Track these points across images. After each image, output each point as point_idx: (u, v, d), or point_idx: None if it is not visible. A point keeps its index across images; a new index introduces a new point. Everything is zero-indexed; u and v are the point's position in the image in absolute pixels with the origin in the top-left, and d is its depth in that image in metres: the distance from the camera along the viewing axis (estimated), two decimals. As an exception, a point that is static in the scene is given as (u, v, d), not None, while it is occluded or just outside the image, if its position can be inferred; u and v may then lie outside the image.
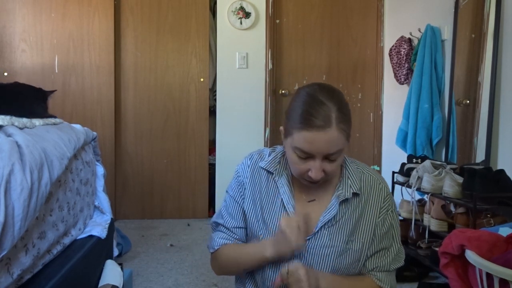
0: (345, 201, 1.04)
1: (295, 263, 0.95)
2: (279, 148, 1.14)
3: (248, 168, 1.13)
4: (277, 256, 1.00)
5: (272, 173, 1.10)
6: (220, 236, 1.12)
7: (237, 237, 1.12)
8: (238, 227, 1.12)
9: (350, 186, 1.05)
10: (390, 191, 1.11)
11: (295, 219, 0.97)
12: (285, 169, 1.10)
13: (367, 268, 1.07)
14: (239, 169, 1.15)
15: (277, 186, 1.08)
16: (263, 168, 1.11)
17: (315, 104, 0.94)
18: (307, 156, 0.96)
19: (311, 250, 1.03)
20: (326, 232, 1.03)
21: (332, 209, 1.03)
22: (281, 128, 1.05)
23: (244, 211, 1.11)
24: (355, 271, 1.05)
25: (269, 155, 1.12)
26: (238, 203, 1.12)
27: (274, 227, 1.05)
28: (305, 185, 1.06)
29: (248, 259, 1.06)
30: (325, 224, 1.03)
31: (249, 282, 1.13)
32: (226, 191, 1.17)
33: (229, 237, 1.11)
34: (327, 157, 0.95)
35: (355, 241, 1.04)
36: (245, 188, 1.12)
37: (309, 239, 1.03)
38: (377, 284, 1.07)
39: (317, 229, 1.03)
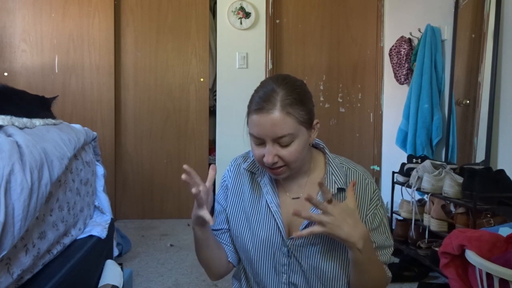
0: None
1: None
2: None
3: (232, 171, 1.15)
4: (193, 223, 1.03)
5: (255, 174, 1.11)
6: None
7: (218, 239, 1.14)
8: (219, 229, 1.14)
9: (335, 182, 1.05)
10: (376, 186, 1.10)
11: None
12: None
13: None
14: (224, 173, 1.18)
15: (261, 187, 1.09)
16: (246, 170, 1.12)
17: (263, 90, 0.98)
18: (260, 141, 0.98)
19: (299, 248, 1.03)
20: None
21: None
22: None
23: (227, 214, 1.13)
24: (347, 269, 1.04)
25: (252, 156, 1.13)
26: (221, 206, 1.15)
27: (261, 228, 1.06)
28: (288, 183, 1.07)
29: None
30: (311, 221, 1.02)
31: (243, 278, 1.15)
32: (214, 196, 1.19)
33: None
34: (278, 142, 0.96)
35: None
36: (228, 191, 1.14)
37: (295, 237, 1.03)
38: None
39: (304, 226, 1.03)
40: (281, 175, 1.01)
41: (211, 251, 1.09)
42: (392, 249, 1.11)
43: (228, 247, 1.13)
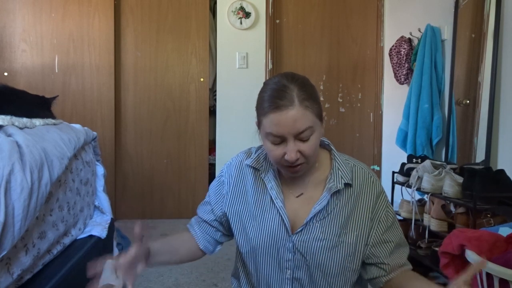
0: (336, 192, 1.04)
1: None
2: None
3: (233, 167, 1.15)
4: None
5: (258, 170, 1.11)
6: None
7: (199, 226, 1.17)
8: (203, 220, 1.17)
9: (342, 177, 1.05)
10: (381, 184, 1.11)
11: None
12: (271, 165, 1.11)
13: (393, 268, 1.08)
14: (223, 168, 1.18)
15: (264, 183, 1.09)
16: (249, 166, 1.12)
17: (277, 88, 0.97)
18: (280, 140, 0.97)
19: (303, 243, 1.03)
20: (318, 225, 1.03)
21: (323, 200, 1.03)
22: (256, 121, 1.06)
23: (224, 211, 1.14)
24: (351, 266, 1.05)
25: (255, 152, 1.14)
26: (209, 198, 1.17)
27: (265, 223, 1.06)
28: (292, 181, 1.07)
29: None
30: (316, 215, 1.03)
31: (242, 276, 1.15)
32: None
33: (195, 222, 1.19)
34: (299, 137, 0.96)
35: (348, 234, 1.03)
36: (224, 188, 1.14)
37: (300, 231, 1.03)
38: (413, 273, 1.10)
39: (308, 219, 1.03)
40: (299, 172, 1.01)
41: (172, 258, 1.13)
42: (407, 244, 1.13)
43: (204, 236, 1.16)
